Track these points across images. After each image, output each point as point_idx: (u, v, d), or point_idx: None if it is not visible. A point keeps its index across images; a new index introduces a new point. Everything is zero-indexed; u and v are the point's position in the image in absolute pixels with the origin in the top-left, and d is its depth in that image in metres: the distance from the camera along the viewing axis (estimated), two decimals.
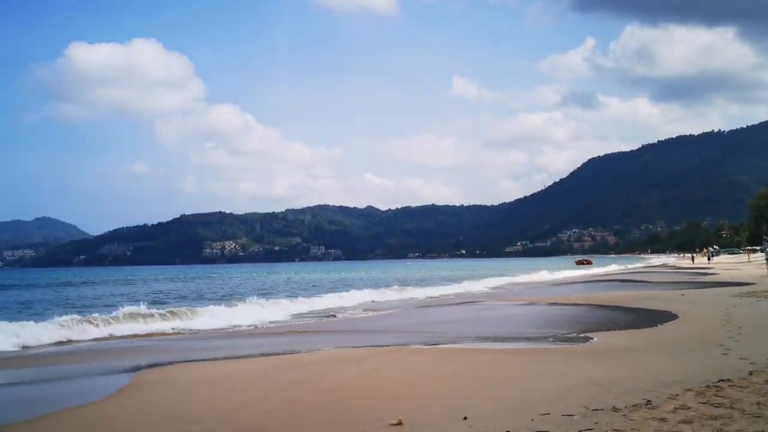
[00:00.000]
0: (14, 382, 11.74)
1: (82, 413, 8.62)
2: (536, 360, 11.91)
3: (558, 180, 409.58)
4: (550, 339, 14.96)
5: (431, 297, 34.76)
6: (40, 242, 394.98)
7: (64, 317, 19.65)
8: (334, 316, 24.74)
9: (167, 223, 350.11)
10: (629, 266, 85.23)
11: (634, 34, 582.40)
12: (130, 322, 20.29)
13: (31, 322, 18.98)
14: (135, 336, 18.78)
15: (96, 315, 21.00)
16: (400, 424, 7.13)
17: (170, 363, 13.17)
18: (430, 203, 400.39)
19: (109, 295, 45.00)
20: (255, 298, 29.82)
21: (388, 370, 11.11)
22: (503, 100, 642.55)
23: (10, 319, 21.10)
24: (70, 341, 17.66)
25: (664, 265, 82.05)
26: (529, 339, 15.22)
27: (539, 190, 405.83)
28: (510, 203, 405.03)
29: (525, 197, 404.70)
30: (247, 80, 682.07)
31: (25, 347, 16.55)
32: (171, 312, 22.72)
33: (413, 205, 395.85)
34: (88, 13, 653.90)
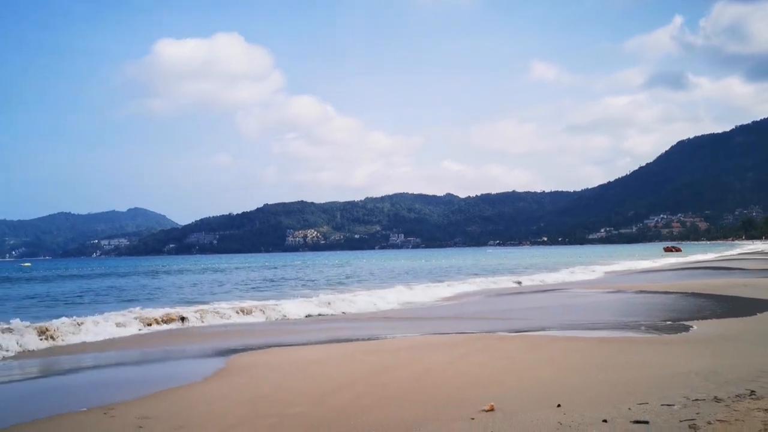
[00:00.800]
0: (121, 363, 12.41)
1: (183, 394, 9.01)
2: (628, 348, 11.58)
3: (644, 164, 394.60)
4: (642, 327, 14.52)
5: (515, 284, 34.32)
6: (133, 232, 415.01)
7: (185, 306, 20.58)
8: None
9: (251, 212, 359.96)
10: (723, 253, 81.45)
11: (726, 10, 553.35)
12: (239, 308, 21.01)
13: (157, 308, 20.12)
14: (229, 324, 19.44)
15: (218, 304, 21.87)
16: (492, 410, 7.11)
17: (262, 347, 13.60)
18: (510, 190, 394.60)
19: (224, 283, 46.68)
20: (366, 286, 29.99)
21: (476, 357, 11.07)
22: (584, 84, 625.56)
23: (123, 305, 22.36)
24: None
25: (760, 252, 78.00)
26: (618, 327, 14.84)
27: (624, 175, 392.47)
28: (593, 189, 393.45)
29: (609, 182, 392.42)
30: (326, 71, 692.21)
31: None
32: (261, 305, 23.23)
33: (493, 191, 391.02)
34: (174, 10, 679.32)
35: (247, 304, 21.82)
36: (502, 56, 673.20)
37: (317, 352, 12.75)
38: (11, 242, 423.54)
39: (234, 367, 11.28)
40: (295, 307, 21.41)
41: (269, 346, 13.70)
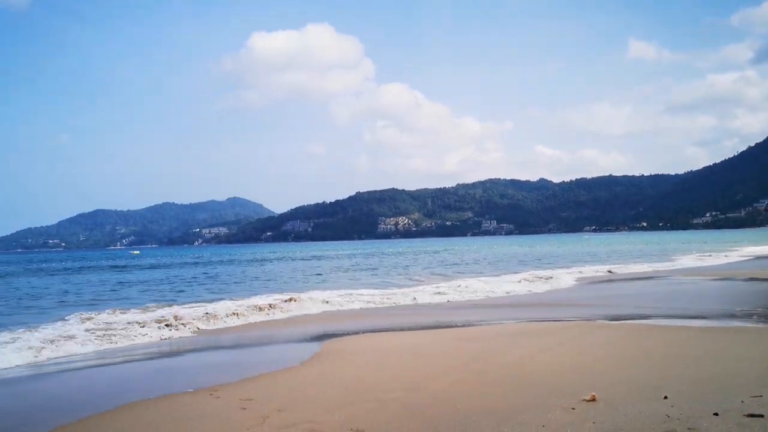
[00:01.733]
0: (224, 346, 12.91)
1: (282, 377, 9.27)
2: (739, 339, 10.98)
3: (753, 145, 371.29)
4: (754, 317, 13.72)
5: (613, 272, 33.17)
6: (232, 221, 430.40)
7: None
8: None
9: (344, 200, 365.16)
10: None
11: None
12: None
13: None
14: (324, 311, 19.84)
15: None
16: (593, 400, 6.91)
17: (358, 332, 13.81)
18: (606, 173, 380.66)
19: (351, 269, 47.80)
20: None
21: (573, 345, 10.80)
22: (687, 61, 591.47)
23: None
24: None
25: None
26: (725, 316, 14.08)
27: (731, 156, 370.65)
28: (697, 171, 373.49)
29: (714, 164, 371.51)
30: (414, 58, 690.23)
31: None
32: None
33: (588, 176, 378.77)
34: (266, 3, 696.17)
35: (343, 292, 22.27)
36: (597, 36, 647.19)
37: (413, 338, 12.80)
38: (122, 231, 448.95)
39: (329, 351, 11.50)
40: (403, 297, 21.64)
41: (364, 332, 13.89)
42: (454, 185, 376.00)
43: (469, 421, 6.42)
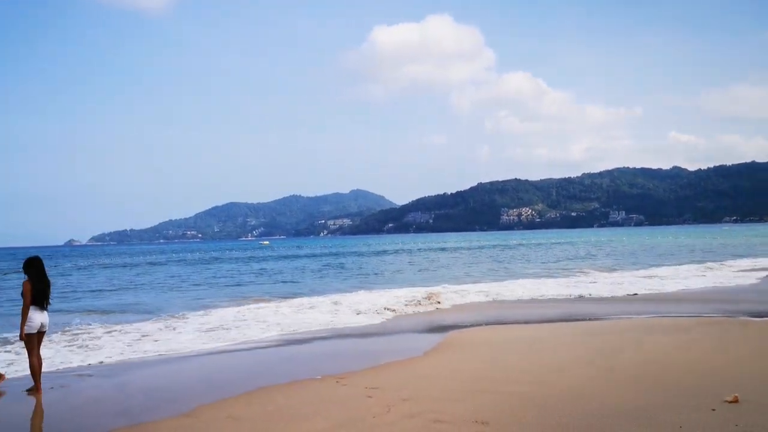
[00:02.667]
0: (350, 335, 13.23)
1: (406, 367, 9.37)
2: None
3: None
4: None
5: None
6: (355, 212, 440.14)
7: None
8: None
9: (465, 191, 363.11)
10: None
11: None
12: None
13: None
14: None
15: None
16: (736, 401, 6.46)
17: (480, 324, 13.72)
18: (748, 160, 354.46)
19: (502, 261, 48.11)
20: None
21: (711, 342, 10.16)
22: None
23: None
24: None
25: None
26: None
27: None
28: None
29: None
30: (536, 45, 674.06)
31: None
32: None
33: (728, 162, 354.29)
34: None
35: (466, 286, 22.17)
36: (737, 12, 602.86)
37: (537, 331, 12.53)
38: (252, 223, 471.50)
39: (451, 342, 11.50)
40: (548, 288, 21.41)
41: (488, 323, 13.78)
42: (580, 174, 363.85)
43: (599, 419, 6.19)
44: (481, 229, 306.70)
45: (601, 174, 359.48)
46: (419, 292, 20.48)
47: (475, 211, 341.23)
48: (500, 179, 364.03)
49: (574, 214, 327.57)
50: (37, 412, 7.63)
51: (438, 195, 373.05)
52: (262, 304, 19.06)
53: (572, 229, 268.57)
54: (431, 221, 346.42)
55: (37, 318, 8.53)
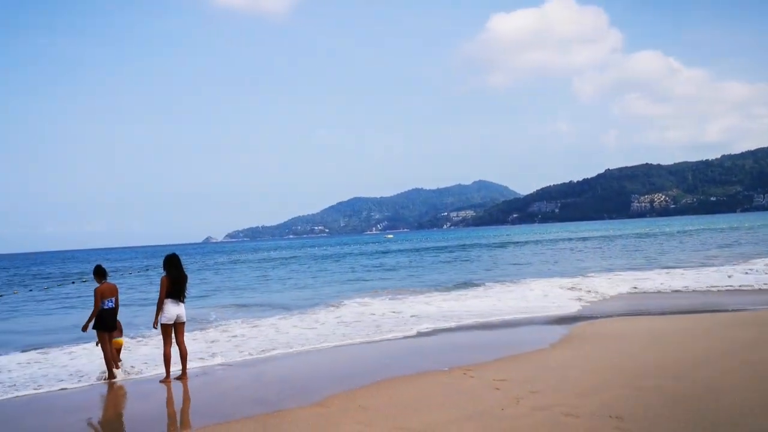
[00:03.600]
0: (475, 327, 13.20)
1: (532, 359, 9.24)
2: None
3: None
4: None
5: None
6: (478, 203, 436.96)
7: None
8: None
9: (591, 178, 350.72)
10: None
11: None
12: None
13: None
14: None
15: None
16: None
17: (613, 315, 13.25)
18: None
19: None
20: None
21: None
22: None
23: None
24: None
25: None
26: None
27: None
28: None
29: None
30: (667, 21, 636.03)
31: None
32: None
33: None
34: None
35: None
36: None
37: (673, 323, 11.94)
38: (376, 217, 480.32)
39: (578, 334, 11.21)
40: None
41: (622, 315, 13.30)
42: (719, 157, 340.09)
43: (742, 416, 5.80)
44: (610, 218, 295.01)
45: (743, 155, 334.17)
46: (560, 282, 20.50)
47: (603, 198, 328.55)
48: (630, 165, 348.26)
49: (713, 198, 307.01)
50: (185, 398, 8.22)
51: (563, 183, 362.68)
52: (400, 296, 19.55)
53: (712, 215, 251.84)
54: (557, 210, 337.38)
55: (173, 310, 9.17)
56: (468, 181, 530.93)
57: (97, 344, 9.68)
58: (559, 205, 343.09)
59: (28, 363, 11.22)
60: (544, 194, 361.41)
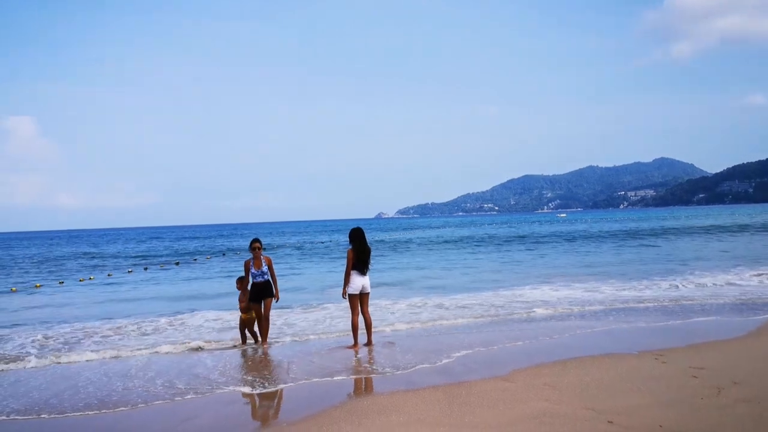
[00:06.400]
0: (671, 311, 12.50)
1: (727, 348, 8.59)
2: None
3: None
4: None
5: None
6: (659, 182, 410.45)
7: None
8: None
9: None
10: None
11: None
12: None
13: None
14: None
15: None
16: None
17: None
18: None
19: None
20: None
21: None
22: None
23: None
24: None
25: None
26: None
27: None
28: None
29: None
30: None
31: None
32: None
33: None
34: None
35: None
36: None
37: None
38: (548, 195, 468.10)
39: None
40: None
41: None
42: None
43: None
44: None
45: None
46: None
47: None
48: None
49: None
50: (370, 359, 8.60)
51: (760, 161, 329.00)
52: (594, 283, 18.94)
53: None
54: (751, 191, 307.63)
55: (358, 281, 9.60)
56: (648, 159, 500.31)
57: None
58: (753, 184, 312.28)
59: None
60: (737, 172, 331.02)
